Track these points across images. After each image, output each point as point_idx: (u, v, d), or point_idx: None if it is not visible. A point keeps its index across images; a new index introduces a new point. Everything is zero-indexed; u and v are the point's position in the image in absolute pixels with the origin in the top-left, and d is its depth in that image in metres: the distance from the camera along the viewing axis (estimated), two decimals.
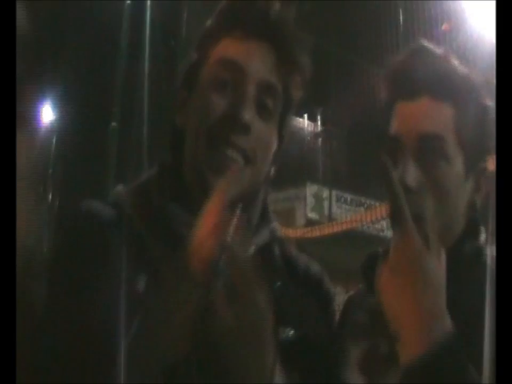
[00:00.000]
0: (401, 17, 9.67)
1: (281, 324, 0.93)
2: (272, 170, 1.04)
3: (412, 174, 1.00)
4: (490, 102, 1.06)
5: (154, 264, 0.85)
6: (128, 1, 6.60)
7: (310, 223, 11.33)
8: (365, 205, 11.74)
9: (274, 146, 1.01)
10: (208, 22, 1.05)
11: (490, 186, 1.06)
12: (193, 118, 0.98)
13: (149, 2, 6.30)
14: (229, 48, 0.98)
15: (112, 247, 0.89)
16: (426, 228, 0.95)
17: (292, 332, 0.94)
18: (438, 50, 1.08)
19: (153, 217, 0.95)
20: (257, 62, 0.97)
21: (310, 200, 11.76)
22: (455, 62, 1.08)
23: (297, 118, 15.09)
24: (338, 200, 11.99)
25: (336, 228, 10.28)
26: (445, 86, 1.04)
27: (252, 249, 0.94)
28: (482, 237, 1.07)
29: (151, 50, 6.21)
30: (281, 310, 0.93)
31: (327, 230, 10.35)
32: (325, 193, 11.85)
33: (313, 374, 0.97)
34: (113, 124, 6.61)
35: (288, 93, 1.01)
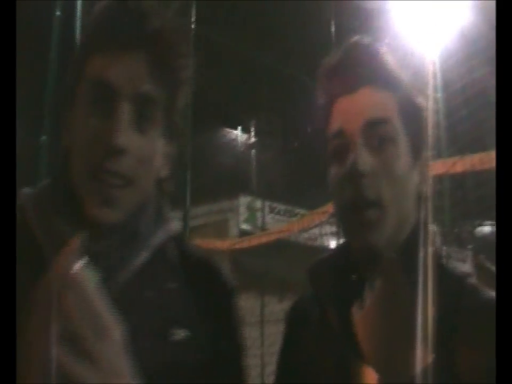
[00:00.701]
0: (333, 24, 9.80)
1: (174, 326, 0.94)
2: (167, 172, 1.02)
3: (363, 159, 1.00)
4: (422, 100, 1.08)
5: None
6: (58, 13, 6.48)
7: (243, 234, 11.34)
8: (298, 215, 11.84)
9: (161, 151, 0.99)
10: (82, 36, 1.00)
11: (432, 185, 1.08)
12: (75, 142, 0.95)
13: (78, 14, 6.19)
14: (99, 66, 0.93)
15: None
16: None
17: (184, 333, 0.94)
18: (371, 43, 1.09)
19: (46, 226, 0.94)
20: (129, 75, 0.93)
21: (243, 211, 11.77)
22: (389, 55, 1.09)
23: (230, 130, 15.10)
24: (271, 211, 12.04)
25: (265, 238, 10.33)
26: (382, 76, 1.06)
27: (143, 256, 0.96)
28: (437, 239, 1.06)
29: None
30: (174, 311, 0.96)
31: (257, 240, 10.39)
32: (258, 204, 11.88)
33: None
34: (43, 137, 6.45)
35: (172, 98, 0.98)
